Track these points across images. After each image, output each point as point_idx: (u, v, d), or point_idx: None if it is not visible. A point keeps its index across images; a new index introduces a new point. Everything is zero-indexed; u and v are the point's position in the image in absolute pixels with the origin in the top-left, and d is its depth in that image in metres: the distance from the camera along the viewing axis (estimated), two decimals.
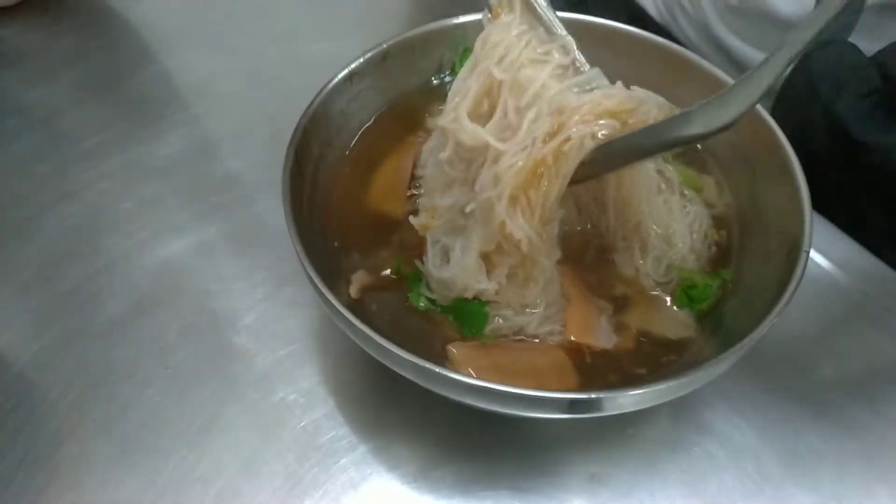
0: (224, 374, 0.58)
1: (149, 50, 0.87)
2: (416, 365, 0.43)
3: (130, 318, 0.62)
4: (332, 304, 0.46)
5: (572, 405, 0.43)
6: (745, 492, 0.53)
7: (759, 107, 0.57)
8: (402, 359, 0.44)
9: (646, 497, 0.53)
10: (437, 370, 0.43)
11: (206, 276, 0.64)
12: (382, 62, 0.62)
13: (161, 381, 0.58)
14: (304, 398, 0.57)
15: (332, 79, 0.58)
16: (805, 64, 0.72)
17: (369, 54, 0.61)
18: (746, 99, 0.43)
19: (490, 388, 0.43)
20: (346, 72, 0.59)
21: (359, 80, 0.60)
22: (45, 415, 0.56)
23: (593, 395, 0.43)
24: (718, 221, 0.58)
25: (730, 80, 0.59)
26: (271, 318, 0.61)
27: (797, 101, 0.73)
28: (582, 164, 0.46)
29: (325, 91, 0.58)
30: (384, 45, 0.61)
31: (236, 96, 0.81)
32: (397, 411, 0.56)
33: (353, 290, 0.53)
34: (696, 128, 0.44)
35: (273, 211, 0.65)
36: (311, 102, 0.56)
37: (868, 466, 0.54)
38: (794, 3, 0.79)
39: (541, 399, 0.43)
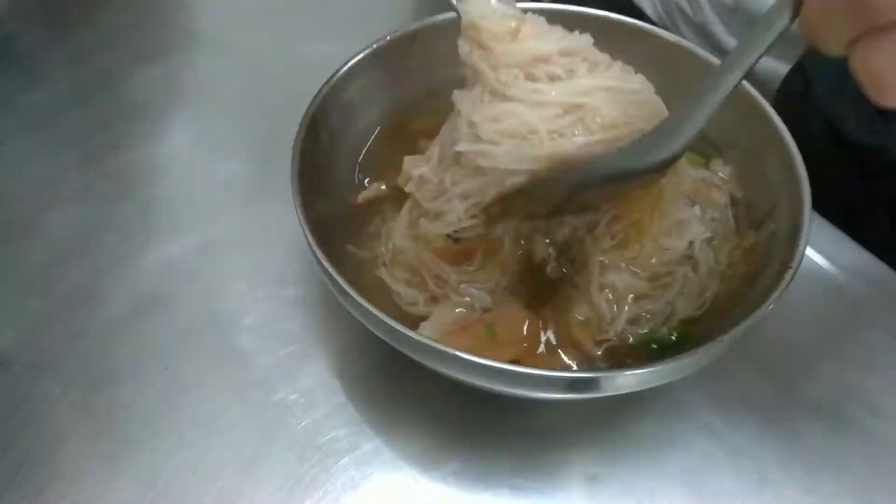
0: (224, 374, 0.58)
1: (149, 50, 0.87)
2: (418, 342, 0.44)
3: (130, 318, 0.62)
4: (349, 295, 0.46)
5: (571, 384, 0.45)
6: (745, 491, 0.53)
7: (763, 106, 0.57)
8: (411, 338, 0.44)
9: (645, 496, 0.53)
10: (442, 348, 0.43)
11: (206, 276, 0.64)
12: (385, 61, 0.62)
13: (161, 381, 0.58)
14: (304, 398, 0.57)
15: (335, 75, 0.58)
16: (802, 65, 0.72)
17: (374, 47, 0.60)
18: (691, 129, 0.42)
19: (488, 366, 0.43)
20: (347, 68, 0.59)
21: (362, 75, 0.60)
22: (45, 415, 0.56)
23: (591, 374, 0.45)
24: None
25: None
26: (271, 318, 0.61)
27: (794, 102, 0.73)
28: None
29: (328, 87, 0.57)
30: (387, 37, 0.61)
31: (236, 96, 0.81)
32: (398, 411, 0.56)
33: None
34: (634, 162, 0.44)
35: (273, 211, 0.65)
36: (315, 96, 0.56)
37: (868, 466, 0.54)
38: None
39: (539, 377, 0.44)
